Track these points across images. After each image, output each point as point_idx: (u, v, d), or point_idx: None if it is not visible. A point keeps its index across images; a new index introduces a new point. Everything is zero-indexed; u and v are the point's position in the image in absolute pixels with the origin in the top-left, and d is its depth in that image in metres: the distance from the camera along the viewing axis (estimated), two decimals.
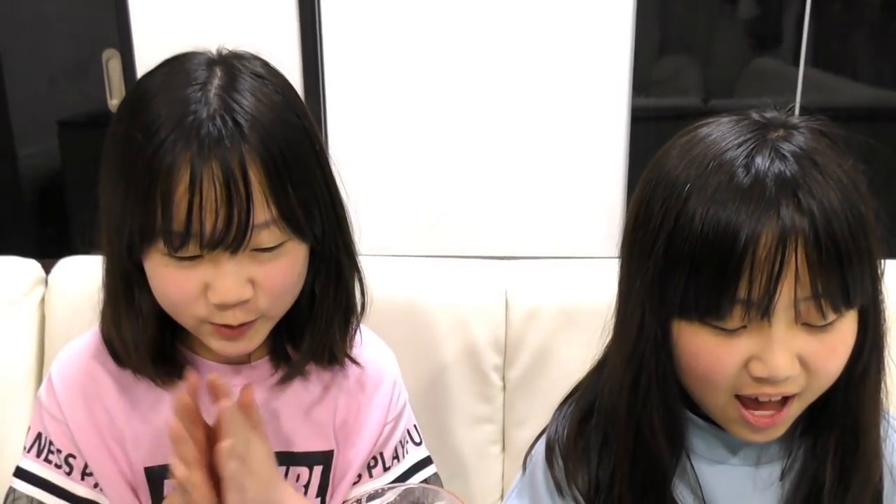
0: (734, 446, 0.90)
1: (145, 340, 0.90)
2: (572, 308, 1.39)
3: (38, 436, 0.96)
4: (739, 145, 0.77)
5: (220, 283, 0.83)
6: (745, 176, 0.75)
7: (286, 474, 0.99)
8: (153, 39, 2.05)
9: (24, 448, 0.97)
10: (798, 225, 0.73)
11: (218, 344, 0.89)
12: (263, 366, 0.98)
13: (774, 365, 0.76)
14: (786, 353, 0.77)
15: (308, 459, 0.99)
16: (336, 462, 1.01)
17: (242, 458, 0.82)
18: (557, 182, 2.04)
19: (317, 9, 2.00)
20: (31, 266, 1.46)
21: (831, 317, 0.77)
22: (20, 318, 1.41)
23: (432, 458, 1.12)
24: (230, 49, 0.90)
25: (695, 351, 0.80)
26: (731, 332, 0.78)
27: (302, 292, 0.93)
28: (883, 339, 0.85)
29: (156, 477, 0.95)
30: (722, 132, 0.80)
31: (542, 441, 0.97)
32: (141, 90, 0.86)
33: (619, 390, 0.87)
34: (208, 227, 0.80)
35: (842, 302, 0.76)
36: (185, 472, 0.81)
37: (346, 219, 0.94)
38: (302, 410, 0.99)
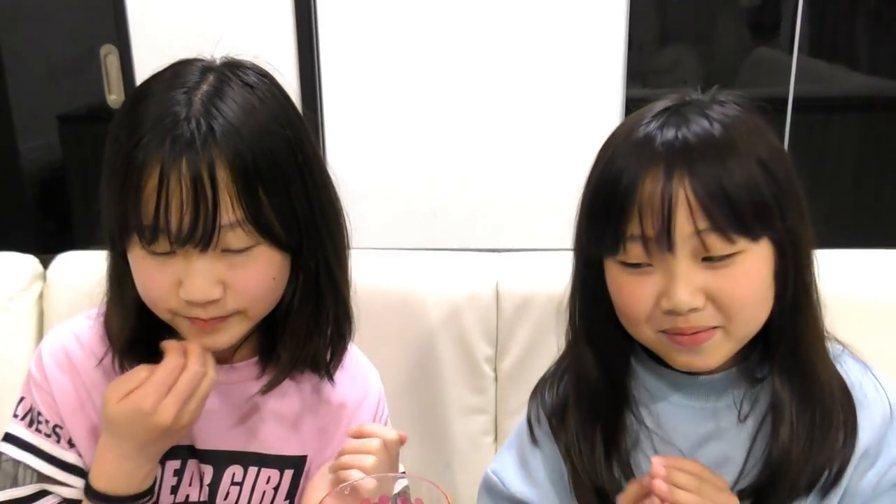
0: (680, 384, 0.95)
1: (126, 329, 0.93)
2: (563, 299, 1.40)
3: (29, 407, 0.98)
4: (655, 117, 0.86)
5: (189, 280, 0.85)
6: (643, 133, 0.85)
7: (257, 475, 1.01)
8: (151, 35, 2.06)
9: (16, 416, 0.99)
10: (678, 151, 0.82)
11: (195, 338, 0.91)
12: (249, 367, 1.00)
13: (677, 298, 0.83)
14: (687, 285, 0.83)
15: (280, 463, 1.01)
16: (310, 468, 1.02)
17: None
18: (550, 173, 2.04)
19: (313, 1, 2.00)
20: (29, 261, 1.47)
21: (730, 248, 0.82)
22: (18, 313, 1.43)
23: (425, 448, 1.14)
24: (232, 58, 0.92)
25: (615, 287, 0.89)
26: (641, 270, 0.86)
27: (283, 300, 0.94)
28: (808, 270, 0.90)
29: None
30: (647, 108, 0.89)
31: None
32: (137, 93, 0.88)
33: (571, 327, 0.99)
34: (174, 223, 0.82)
35: (737, 233, 0.82)
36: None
37: (335, 235, 0.95)
38: (280, 416, 1.01)
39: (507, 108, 2.02)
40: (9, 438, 0.98)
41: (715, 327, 0.86)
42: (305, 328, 0.96)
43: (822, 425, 0.89)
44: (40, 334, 1.45)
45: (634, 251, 0.85)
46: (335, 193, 0.95)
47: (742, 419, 0.92)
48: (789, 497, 0.90)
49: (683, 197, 0.81)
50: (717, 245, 0.82)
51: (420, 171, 2.07)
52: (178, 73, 0.88)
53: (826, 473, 0.89)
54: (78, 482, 0.96)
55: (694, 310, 0.83)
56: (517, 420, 1.41)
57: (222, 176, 0.82)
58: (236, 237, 0.85)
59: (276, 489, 1.01)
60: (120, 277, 0.93)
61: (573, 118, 2.01)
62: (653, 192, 0.82)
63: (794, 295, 0.88)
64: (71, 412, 0.97)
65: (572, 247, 0.96)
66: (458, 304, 1.40)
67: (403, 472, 1.06)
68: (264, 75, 0.91)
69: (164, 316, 0.90)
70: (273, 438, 1.01)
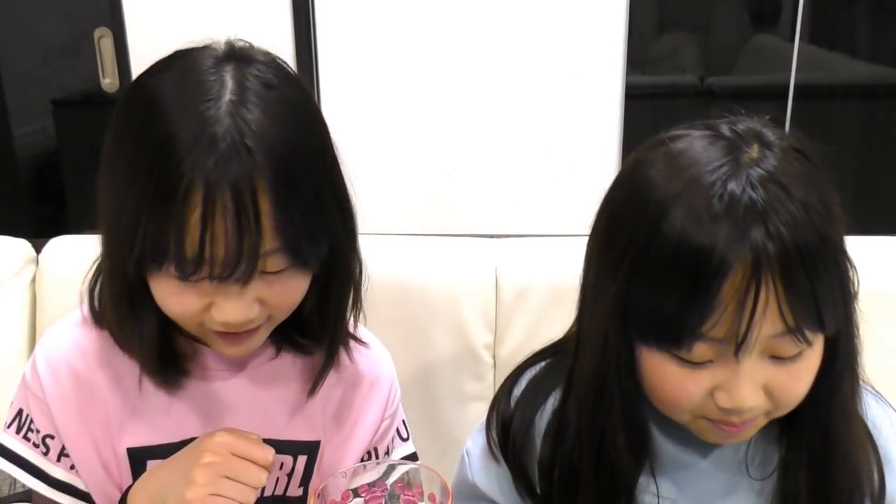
0: (704, 449, 0.89)
1: (147, 345, 0.89)
2: (563, 286, 1.38)
3: (19, 412, 0.96)
4: (714, 170, 0.75)
5: (227, 306, 0.82)
6: (719, 205, 0.73)
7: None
8: (145, 17, 2.04)
9: (5, 423, 0.97)
10: (770, 254, 0.72)
11: (222, 347, 0.89)
12: (260, 352, 0.98)
13: (740, 398, 0.76)
14: (752, 385, 0.76)
15: (293, 448, 0.99)
16: (323, 453, 1.01)
17: None
18: (550, 160, 2.03)
19: None
20: (22, 246, 1.46)
21: (802, 347, 0.76)
22: (11, 298, 1.42)
23: (424, 435, 1.13)
24: (237, 44, 0.86)
25: (660, 378, 0.80)
26: (697, 364, 0.77)
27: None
28: (856, 357, 0.84)
29: (139, 458, 0.95)
30: (697, 151, 0.77)
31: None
32: (152, 93, 0.82)
33: (584, 402, 0.87)
34: (220, 254, 0.78)
35: (815, 329, 0.75)
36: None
37: (355, 227, 0.92)
38: (291, 399, 0.99)
39: (507, 95, 2.01)
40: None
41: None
42: (331, 315, 0.94)
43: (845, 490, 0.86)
44: (33, 318, 1.44)
45: (701, 350, 0.75)
46: (347, 183, 0.92)
47: (760, 477, 0.89)
48: None
49: (774, 302, 0.72)
50: (791, 348, 0.76)
51: (418, 157, 2.06)
52: (191, 70, 0.82)
53: None
54: (64, 498, 0.95)
55: (752, 408, 0.78)
56: None
57: (264, 206, 0.78)
58: (274, 262, 0.81)
59: (289, 475, 1.00)
60: (133, 292, 0.86)
61: (573, 105, 2.00)
62: (740, 291, 0.72)
63: (836, 382, 0.83)
64: (66, 420, 0.94)
65: (596, 309, 0.83)
66: (456, 290, 1.39)
67: (395, 460, 1.05)
68: (279, 69, 0.86)
69: (190, 329, 0.88)
70: (286, 424, 0.99)
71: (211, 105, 0.78)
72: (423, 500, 0.79)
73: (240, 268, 0.78)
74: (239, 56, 0.84)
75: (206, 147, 0.76)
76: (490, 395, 1.43)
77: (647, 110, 2.07)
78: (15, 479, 0.95)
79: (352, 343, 1.02)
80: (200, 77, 0.81)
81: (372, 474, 0.83)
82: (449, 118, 2.03)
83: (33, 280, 1.45)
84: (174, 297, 0.83)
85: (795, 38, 2.10)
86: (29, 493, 0.96)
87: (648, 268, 0.75)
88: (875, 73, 2.20)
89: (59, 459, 0.95)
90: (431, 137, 2.05)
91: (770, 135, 0.78)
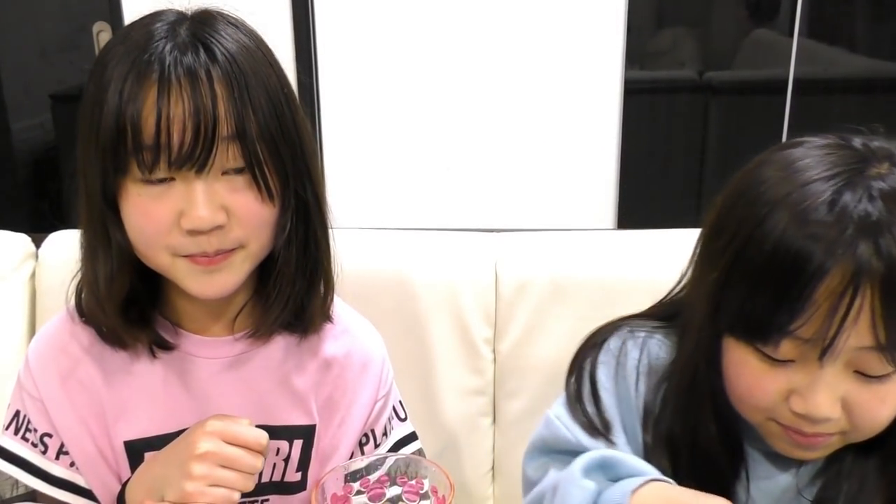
0: (785, 465, 0.87)
1: (116, 288, 0.89)
2: (563, 280, 1.39)
3: (17, 413, 0.96)
4: (830, 178, 0.74)
5: (192, 207, 0.83)
6: (829, 211, 0.72)
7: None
8: (143, 12, 2.03)
9: (3, 426, 0.97)
10: (874, 269, 0.70)
11: (196, 282, 0.88)
12: (248, 340, 0.98)
13: (815, 404, 0.74)
14: (830, 395, 0.74)
15: (288, 433, 0.99)
16: (319, 437, 1.01)
17: None
18: (549, 154, 2.03)
19: None
20: (21, 240, 1.46)
21: (889, 369, 0.74)
22: (10, 292, 1.42)
23: (424, 430, 1.13)
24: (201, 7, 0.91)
25: (739, 370, 0.79)
26: (779, 362, 0.76)
27: (273, 253, 0.92)
28: None
29: (136, 450, 0.95)
30: (817, 158, 0.77)
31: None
32: (101, 56, 0.87)
33: (679, 391, 0.87)
34: (176, 139, 0.81)
35: None
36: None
37: (319, 179, 0.94)
38: (280, 382, 0.99)
39: (505, 89, 2.01)
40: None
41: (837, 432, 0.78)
42: (293, 271, 0.94)
43: None
44: (33, 313, 1.44)
45: (786, 348, 0.75)
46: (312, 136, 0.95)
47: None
48: None
49: (868, 313, 0.71)
50: (878, 367, 0.74)
51: (417, 152, 2.06)
52: (144, 25, 0.87)
53: None
54: (65, 495, 0.95)
55: (827, 420, 0.76)
56: (515, 402, 1.41)
57: (220, 91, 0.82)
58: (233, 154, 0.84)
59: (286, 460, 1.00)
60: (106, 229, 0.88)
61: (572, 100, 2.00)
62: (834, 295, 0.71)
63: None
64: (62, 417, 0.94)
65: (697, 300, 0.84)
66: (456, 285, 1.39)
67: (398, 454, 1.05)
68: (241, 23, 0.91)
69: (162, 262, 0.87)
70: (279, 409, 0.99)
71: (166, 28, 0.85)
72: (425, 493, 0.79)
73: (197, 147, 0.81)
74: (200, 10, 0.89)
75: (157, 50, 0.82)
76: (490, 390, 1.44)
77: (646, 105, 2.07)
78: (17, 481, 0.95)
79: (341, 326, 1.03)
80: (154, 24, 0.86)
81: (373, 466, 0.83)
82: (448, 113, 2.03)
83: (33, 275, 1.44)
84: (144, 211, 0.84)
85: (794, 32, 2.10)
86: (32, 494, 0.96)
87: (748, 261, 0.75)
88: (874, 68, 2.20)
89: (58, 457, 0.95)
90: (431, 132, 2.05)
91: None
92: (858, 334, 0.72)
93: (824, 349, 0.73)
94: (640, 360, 0.92)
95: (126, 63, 0.82)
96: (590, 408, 0.91)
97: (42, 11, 2.34)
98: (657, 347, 0.92)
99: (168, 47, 0.82)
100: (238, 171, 0.85)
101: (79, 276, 0.94)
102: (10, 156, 2.50)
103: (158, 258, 0.87)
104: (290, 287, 0.94)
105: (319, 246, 0.95)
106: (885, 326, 0.71)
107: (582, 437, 0.89)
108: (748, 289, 0.76)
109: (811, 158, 0.77)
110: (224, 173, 0.84)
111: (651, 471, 0.81)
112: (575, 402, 0.92)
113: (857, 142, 0.79)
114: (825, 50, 2.18)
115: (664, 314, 0.96)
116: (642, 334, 0.94)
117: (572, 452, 0.87)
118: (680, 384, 0.87)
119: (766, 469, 0.88)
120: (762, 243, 0.74)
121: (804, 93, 2.10)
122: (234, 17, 0.89)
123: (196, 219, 0.83)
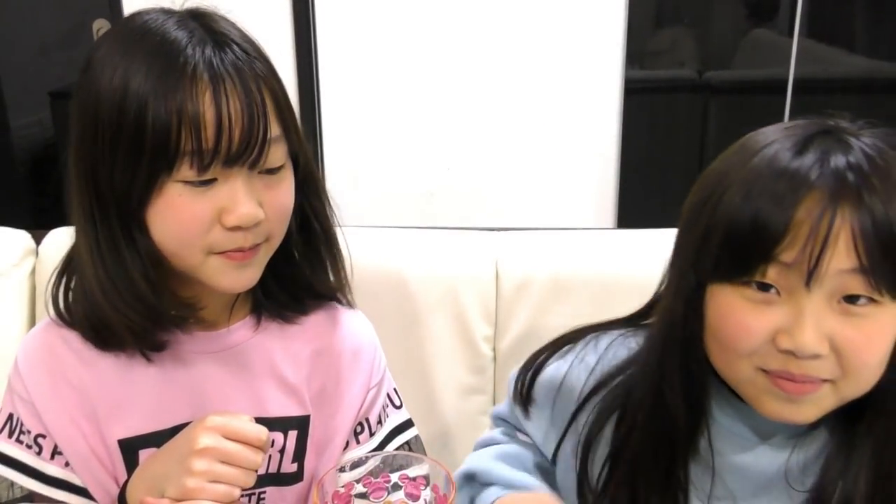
0: (764, 430, 0.87)
1: (148, 287, 0.88)
2: (563, 279, 1.39)
3: (10, 417, 0.96)
4: (798, 138, 0.78)
5: (237, 205, 0.84)
6: (801, 149, 0.76)
7: None
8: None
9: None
10: (849, 186, 0.73)
11: (228, 277, 0.89)
12: (244, 329, 0.99)
13: (802, 339, 0.75)
14: (816, 328, 0.75)
15: (282, 424, 1.00)
16: (313, 427, 1.01)
17: None
18: (549, 153, 2.03)
19: None
20: (22, 237, 1.46)
21: (875, 296, 0.74)
22: (10, 289, 1.42)
23: (424, 427, 1.13)
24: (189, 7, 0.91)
25: (724, 313, 0.79)
26: (763, 301, 0.77)
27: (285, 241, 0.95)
28: None
29: (130, 448, 0.95)
30: (780, 129, 0.80)
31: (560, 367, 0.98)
32: (103, 58, 0.86)
33: (649, 348, 0.88)
34: (237, 136, 0.82)
35: (889, 285, 0.74)
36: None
37: (310, 156, 0.97)
38: (278, 377, 1.00)
39: (506, 89, 2.01)
40: None
41: (826, 380, 0.78)
42: (299, 257, 0.98)
43: None
44: (32, 309, 1.44)
45: (770, 275, 0.76)
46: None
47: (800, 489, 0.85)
48: None
49: (848, 228, 0.73)
50: (862, 289, 0.74)
51: (418, 151, 2.06)
52: (152, 20, 0.87)
53: None
54: (62, 495, 0.95)
55: (815, 356, 0.75)
56: None
57: (266, 87, 0.85)
58: (277, 153, 0.86)
59: (281, 452, 1.00)
60: (126, 230, 0.87)
61: (572, 99, 2.00)
62: (812, 214, 0.73)
63: None
64: (54, 418, 0.94)
65: (674, 265, 0.87)
66: (456, 283, 1.40)
67: (406, 445, 1.06)
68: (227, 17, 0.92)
69: (194, 260, 0.87)
70: (272, 400, 0.99)
71: (186, 38, 0.84)
72: (426, 491, 0.79)
73: (252, 147, 0.83)
74: (193, 11, 0.90)
75: (192, 40, 0.83)
76: (490, 388, 1.44)
77: (646, 104, 2.07)
78: (13, 483, 0.95)
79: (331, 316, 1.04)
80: (166, 34, 0.85)
81: (371, 462, 0.83)
82: (448, 112, 2.03)
83: (33, 271, 1.45)
84: (185, 211, 0.84)
85: (794, 32, 2.10)
86: (30, 495, 0.96)
87: (727, 204, 0.77)
88: (873, 68, 2.20)
89: (52, 458, 0.95)
90: (431, 132, 2.04)
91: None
92: (839, 256, 0.73)
93: (810, 272, 0.74)
94: (594, 368, 0.94)
95: (158, 65, 0.82)
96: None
97: (42, 8, 2.33)
98: (622, 350, 0.95)
99: (199, 46, 0.82)
100: (275, 171, 0.88)
101: (52, 282, 0.95)
102: (9, 153, 2.50)
103: (192, 257, 0.87)
104: (294, 268, 0.98)
105: (319, 216, 0.98)
106: (864, 246, 0.73)
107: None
108: (729, 224, 0.77)
109: (770, 135, 0.80)
110: (261, 172, 0.87)
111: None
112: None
113: (821, 120, 0.82)
114: (825, 50, 2.18)
115: (637, 314, 0.98)
116: (606, 340, 0.97)
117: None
118: (652, 346, 0.88)
119: (730, 446, 0.88)
120: (739, 188, 0.77)
121: (804, 93, 2.10)
122: (220, 13, 0.91)
123: (243, 216, 0.84)
